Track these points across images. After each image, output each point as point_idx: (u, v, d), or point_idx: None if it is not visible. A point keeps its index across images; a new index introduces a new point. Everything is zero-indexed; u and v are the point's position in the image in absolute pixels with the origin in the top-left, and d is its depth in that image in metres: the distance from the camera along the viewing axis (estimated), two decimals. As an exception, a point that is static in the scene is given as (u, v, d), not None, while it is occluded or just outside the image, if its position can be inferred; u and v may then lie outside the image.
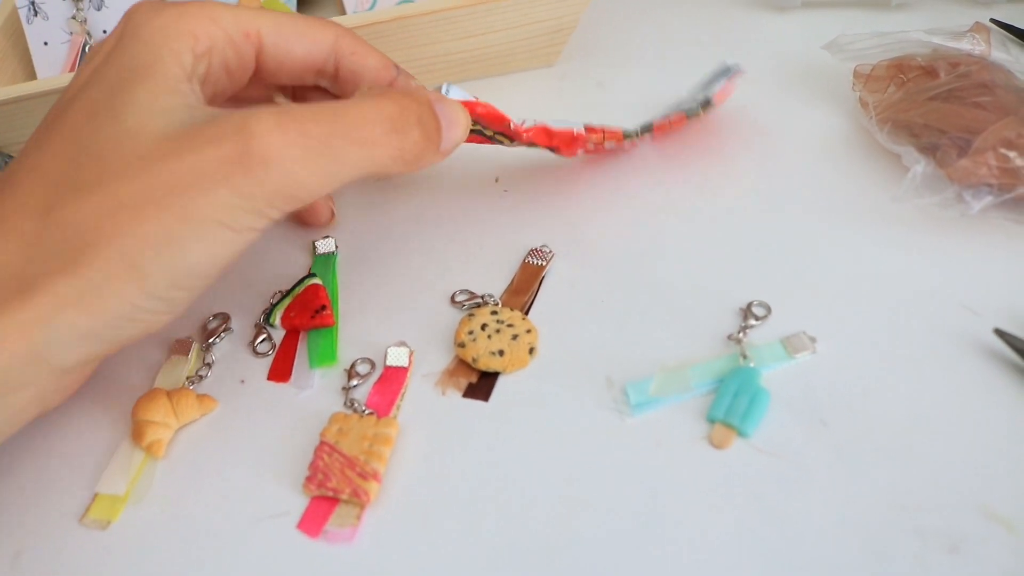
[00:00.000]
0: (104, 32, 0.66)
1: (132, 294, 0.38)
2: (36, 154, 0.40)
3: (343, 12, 0.69)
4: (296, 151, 0.38)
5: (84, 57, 0.45)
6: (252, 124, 0.38)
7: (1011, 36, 0.61)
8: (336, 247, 0.53)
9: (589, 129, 0.53)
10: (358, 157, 0.40)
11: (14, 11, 0.66)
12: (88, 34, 0.66)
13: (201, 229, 0.38)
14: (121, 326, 0.39)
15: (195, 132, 0.38)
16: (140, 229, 0.37)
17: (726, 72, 0.51)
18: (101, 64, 0.42)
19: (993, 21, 0.62)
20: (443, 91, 0.47)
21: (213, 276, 0.40)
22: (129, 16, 0.43)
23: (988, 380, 0.43)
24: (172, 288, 0.39)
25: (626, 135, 0.54)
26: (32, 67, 0.67)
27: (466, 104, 0.47)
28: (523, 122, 0.50)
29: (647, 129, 0.53)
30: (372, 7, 0.68)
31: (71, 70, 0.65)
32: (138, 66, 0.41)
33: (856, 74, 0.56)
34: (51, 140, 0.40)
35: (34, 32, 0.65)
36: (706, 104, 0.52)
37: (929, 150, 0.50)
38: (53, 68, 0.66)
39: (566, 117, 0.56)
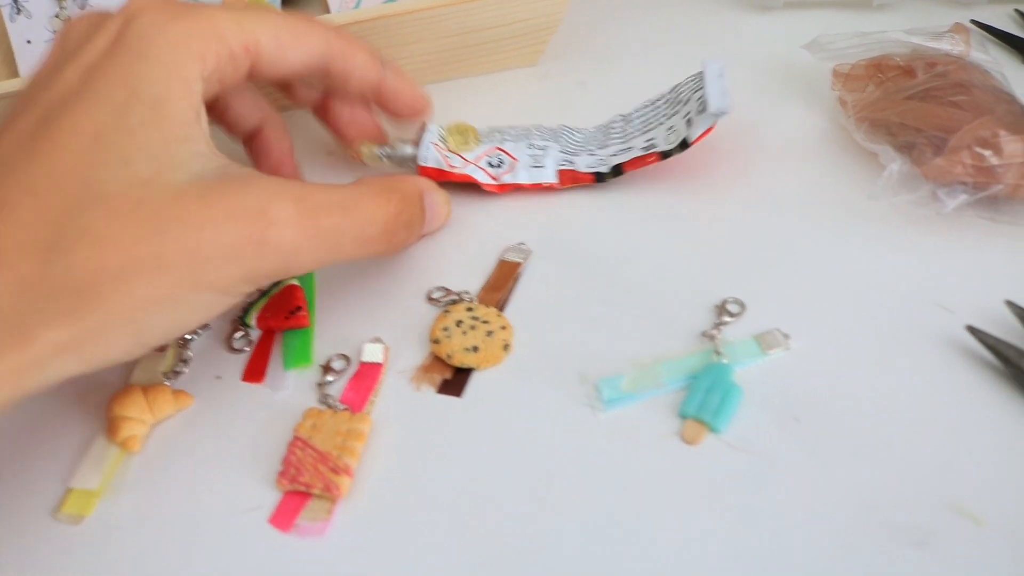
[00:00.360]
0: (89, 31, 0.66)
1: (127, 344, 0.39)
2: (28, 172, 0.39)
3: (327, 11, 0.69)
4: (307, 243, 0.41)
5: (58, 38, 0.44)
6: (273, 210, 0.40)
7: (991, 37, 0.62)
8: (315, 246, 0.53)
9: (562, 178, 0.54)
10: (353, 251, 0.44)
11: (-3, 10, 0.66)
12: (73, 33, 0.66)
13: (204, 295, 0.40)
14: (107, 366, 0.39)
15: (213, 198, 0.39)
16: (148, 290, 0.38)
17: (710, 116, 0.50)
18: (97, 71, 0.40)
19: (973, 22, 0.63)
20: (421, 156, 0.53)
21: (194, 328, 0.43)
22: (131, 17, 0.41)
23: (960, 377, 0.43)
24: (161, 339, 0.40)
25: (598, 179, 0.54)
26: (15, 65, 0.66)
27: (443, 172, 0.53)
28: (496, 178, 0.54)
29: (617, 171, 0.53)
30: (357, 6, 0.68)
31: (56, 69, 0.65)
32: (147, 98, 0.40)
33: (835, 73, 0.56)
34: (46, 160, 0.39)
35: (17, 30, 0.65)
36: (683, 146, 0.51)
37: (905, 149, 0.50)
38: (36, 66, 0.66)
39: (544, 122, 0.57)
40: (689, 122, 0.52)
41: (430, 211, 0.49)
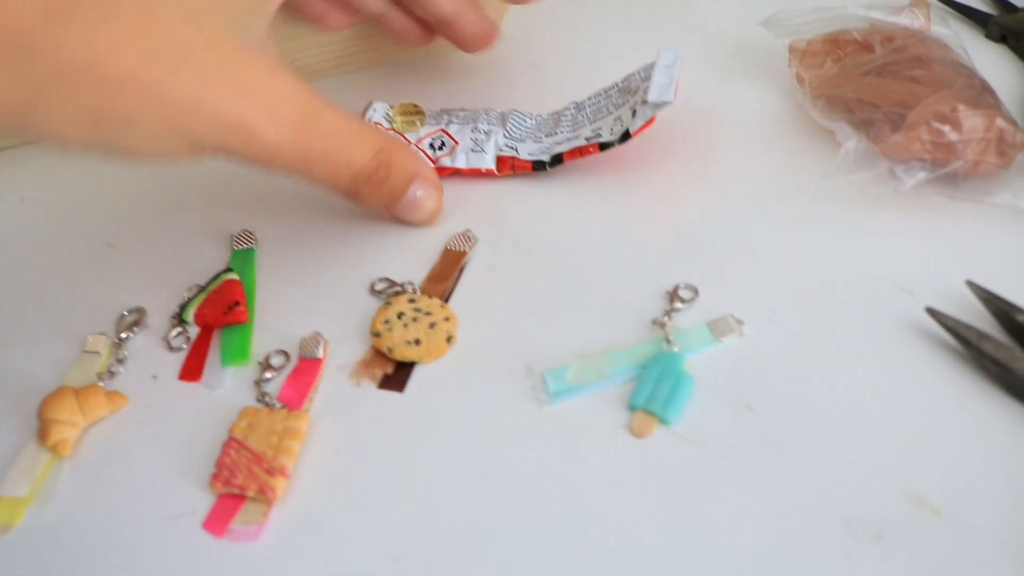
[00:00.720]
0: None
1: (70, 123, 0.39)
2: None
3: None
4: (289, 152, 0.44)
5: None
6: (282, 110, 0.42)
7: (951, 11, 0.60)
8: (256, 241, 0.52)
9: (500, 164, 0.53)
10: (320, 178, 0.46)
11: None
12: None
13: (173, 138, 0.41)
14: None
15: (240, 66, 0.41)
16: (128, 96, 0.38)
17: (650, 106, 0.49)
18: None
19: (934, -5, 0.61)
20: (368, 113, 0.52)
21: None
22: None
23: (920, 361, 0.42)
24: (103, 143, 0.41)
25: (536, 167, 0.52)
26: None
27: None
28: (435, 161, 0.53)
29: (557, 160, 0.52)
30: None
31: None
32: None
33: (791, 50, 0.55)
34: None
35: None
36: (624, 137, 0.50)
37: (863, 125, 0.49)
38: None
39: (495, 106, 0.56)
40: (633, 112, 0.51)
41: (409, 200, 0.49)
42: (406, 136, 0.53)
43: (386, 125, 0.53)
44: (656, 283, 0.46)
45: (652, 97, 0.49)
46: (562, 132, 0.54)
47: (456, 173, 0.53)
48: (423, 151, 0.52)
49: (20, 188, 0.59)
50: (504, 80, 0.61)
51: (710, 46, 0.60)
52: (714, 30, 0.62)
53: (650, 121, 0.49)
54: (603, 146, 0.51)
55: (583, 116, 0.54)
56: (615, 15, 0.64)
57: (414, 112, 0.54)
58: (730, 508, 0.38)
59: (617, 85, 0.54)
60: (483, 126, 0.54)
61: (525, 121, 0.55)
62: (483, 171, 0.53)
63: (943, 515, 0.36)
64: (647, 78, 0.51)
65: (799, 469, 0.38)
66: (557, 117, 0.55)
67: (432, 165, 0.52)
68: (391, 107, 0.54)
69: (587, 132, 0.53)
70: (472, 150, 0.53)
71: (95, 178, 0.59)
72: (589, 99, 0.55)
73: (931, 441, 0.39)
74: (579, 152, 0.51)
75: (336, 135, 0.45)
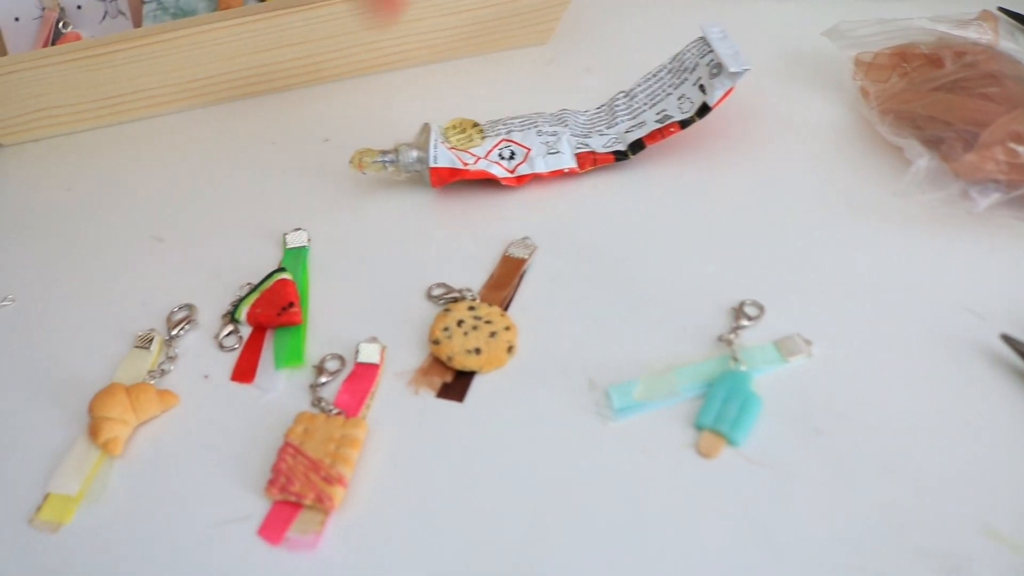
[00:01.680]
0: (79, 7, 0.63)
1: None
2: None
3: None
4: None
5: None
6: None
7: (1019, 24, 0.59)
8: (309, 240, 0.51)
9: (581, 161, 0.52)
10: None
11: (-18, -15, 0.64)
12: (61, 9, 0.63)
13: None
14: None
15: None
16: None
17: (730, 75, 0.48)
18: None
19: (1001, 9, 0.60)
20: (430, 157, 0.50)
21: None
22: None
23: (993, 389, 0.41)
24: None
25: (618, 157, 0.52)
26: (2, 42, 0.64)
27: (457, 171, 0.50)
28: (513, 171, 0.51)
29: (639, 147, 0.51)
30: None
31: (44, 46, 0.62)
32: None
33: (857, 62, 0.54)
34: None
35: (4, 7, 0.63)
36: (703, 111, 0.49)
37: (933, 143, 0.48)
38: (24, 44, 0.63)
39: (546, 108, 0.55)
40: (702, 88, 0.50)
41: None
42: (471, 151, 0.52)
43: (442, 143, 0.52)
44: (721, 298, 0.45)
45: (733, 67, 0.49)
46: (622, 121, 0.53)
47: (536, 178, 0.52)
48: (495, 163, 0.51)
49: (67, 177, 0.58)
50: (558, 83, 0.60)
51: (771, 55, 0.59)
52: (775, 39, 0.61)
53: (729, 91, 0.49)
54: (683, 124, 0.51)
55: (637, 103, 0.54)
56: (673, 25, 0.63)
57: (472, 127, 0.53)
58: (799, 534, 0.37)
59: (666, 67, 0.54)
60: (546, 128, 0.53)
61: (578, 118, 0.55)
62: (565, 171, 0.52)
63: (1022, 551, 0.35)
64: (705, 53, 0.51)
65: (870, 497, 0.37)
66: (610, 108, 0.55)
67: (510, 175, 0.51)
68: (441, 125, 0.54)
69: (652, 116, 0.52)
70: (548, 153, 0.52)
71: (143, 169, 0.58)
72: (639, 85, 0.55)
73: (1006, 473, 0.38)
74: (660, 134, 0.51)
75: None
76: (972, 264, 0.45)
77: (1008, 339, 0.41)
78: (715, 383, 0.41)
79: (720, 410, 0.40)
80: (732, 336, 0.43)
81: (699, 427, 0.40)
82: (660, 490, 0.38)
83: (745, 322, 0.44)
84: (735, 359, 0.42)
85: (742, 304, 0.44)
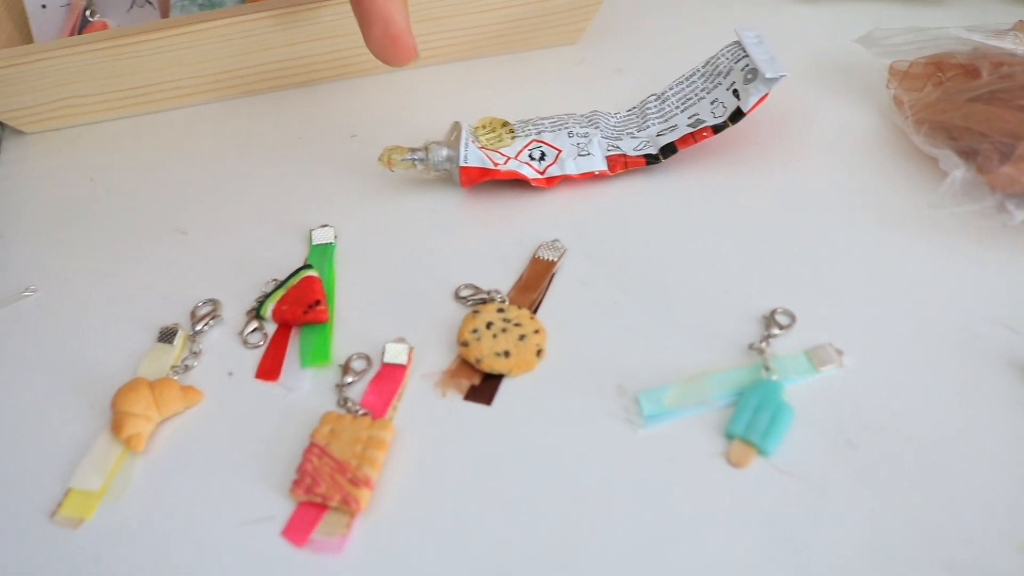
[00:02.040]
0: (105, -5, 0.63)
1: None
2: None
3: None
4: None
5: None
6: None
7: (1056, 36, 0.58)
8: (335, 237, 0.51)
9: (612, 164, 0.51)
10: None
11: (10, -28, 0.63)
12: (88, -2, 0.63)
13: None
14: None
15: None
16: None
17: (766, 82, 0.48)
18: None
19: (1035, 20, 0.59)
20: (461, 157, 0.50)
21: None
22: None
23: (1027, 404, 0.40)
24: None
25: (649, 161, 0.51)
26: (28, 30, 0.64)
27: (487, 171, 0.50)
28: (543, 172, 0.51)
29: (670, 151, 0.51)
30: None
31: (70, 34, 0.62)
32: None
33: (892, 71, 0.53)
34: None
35: (31, -6, 0.62)
36: (737, 116, 0.49)
37: (969, 154, 0.47)
38: (51, 32, 0.63)
39: (577, 109, 0.55)
40: (736, 93, 0.50)
41: None
42: (501, 151, 0.52)
43: (473, 143, 0.51)
44: (752, 306, 0.45)
45: (769, 73, 0.48)
46: (654, 124, 0.53)
47: (566, 180, 0.51)
48: (526, 164, 0.51)
49: (90, 168, 0.58)
50: (588, 83, 0.60)
51: (804, 61, 0.59)
52: (808, 45, 0.60)
53: (763, 97, 0.49)
54: (716, 129, 0.50)
55: (669, 106, 0.53)
56: (703, 28, 0.63)
57: (502, 127, 0.53)
58: (828, 546, 0.36)
59: (698, 71, 0.53)
60: (577, 129, 0.53)
61: (609, 119, 0.54)
62: (596, 174, 0.51)
63: (1058, 570, 0.35)
64: (739, 58, 0.50)
65: (901, 510, 0.37)
66: (641, 111, 0.54)
67: (540, 176, 0.51)
68: (471, 124, 0.53)
69: (684, 120, 0.52)
70: (579, 155, 0.51)
71: (167, 161, 0.58)
72: (670, 88, 0.54)
73: (1040, 489, 0.37)
74: (692, 138, 0.51)
75: None
76: (1007, 277, 0.45)
77: (1044, 355, 0.41)
78: (746, 392, 0.41)
79: (751, 419, 0.39)
80: (763, 345, 0.42)
81: (729, 436, 0.40)
82: (689, 499, 0.38)
83: (776, 331, 0.43)
84: (766, 368, 0.41)
85: (773, 312, 0.44)
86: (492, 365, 0.43)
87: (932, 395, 0.41)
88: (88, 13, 0.63)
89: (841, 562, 0.36)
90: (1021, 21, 0.55)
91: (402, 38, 0.47)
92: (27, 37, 0.64)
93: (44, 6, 0.62)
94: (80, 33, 0.62)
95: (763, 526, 0.37)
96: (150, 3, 0.64)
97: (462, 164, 0.50)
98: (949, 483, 0.38)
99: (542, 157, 0.51)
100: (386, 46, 0.47)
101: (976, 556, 0.36)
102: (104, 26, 0.63)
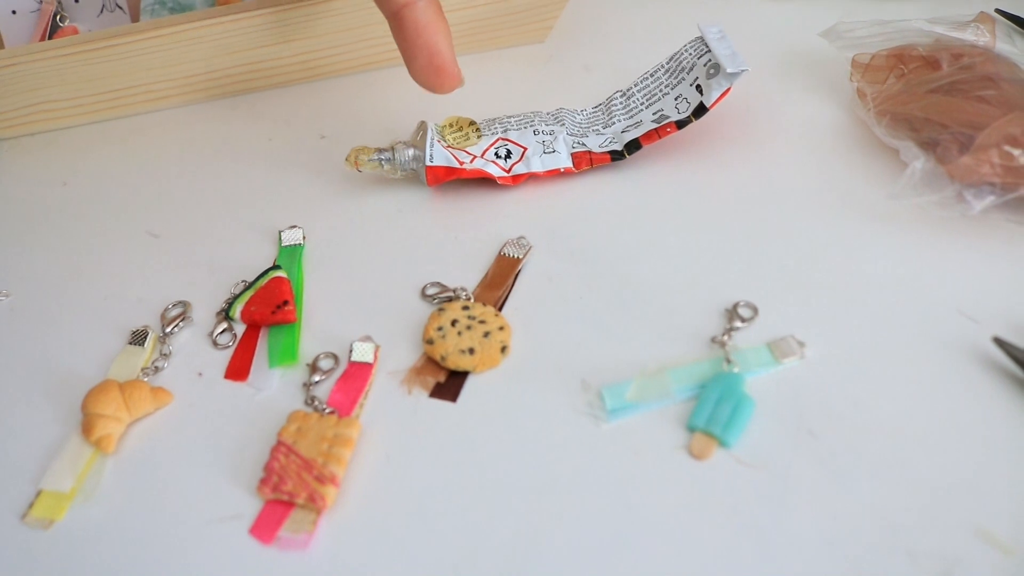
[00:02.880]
0: (76, 1, 0.63)
1: None
2: None
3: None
4: None
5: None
6: None
7: (1017, 27, 0.59)
8: (304, 238, 0.51)
9: (577, 161, 0.52)
10: None
11: (-21, -22, 0.64)
12: (59, 2, 0.63)
13: None
14: None
15: None
16: None
17: (728, 76, 0.49)
18: None
19: (998, 11, 0.60)
20: (426, 156, 0.51)
21: None
22: None
23: (986, 392, 0.41)
24: None
25: (614, 157, 0.52)
26: (-1, 36, 0.64)
27: (453, 170, 0.50)
28: (509, 170, 0.51)
29: (635, 147, 0.51)
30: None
31: (41, 39, 0.62)
32: None
33: (854, 64, 0.54)
34: None
35: (2, 0, 0.62)
36: (700, 111, 0.50)
37: (929, 145, 0.48)
38: (21, 37, 0.63)
39: (545, 106, 0.55)
40: (699, 88, 0.50)
41: None
42: (467, 150, 0.52)
43: (439, 142, 0.52)
44: (715, 299, 0.45)
45: (731, 68, 0.49)
46: (619, 121, 0.53)
47: (532, 177, 0.52)
48: (492, 162, 0.51)
49: (62, 172, 0.58)
50: (557, 81, 0.60)
51: (768, 55, 0.59)
52: (772, 38, 0.61)
53: (726, 92, 0.50)
54: (680, 124, 0.51)
55: (634, 102, 0.54)
56: (670, 23, 0.63)
57: (468, 125, 0.53)
58: (790, 535, 0.37)
59: (662, 67, 0.54)
60: (543, 127, 0.53)
61: (575, 117, 0.55)
62: (561, 171, 0.52)
63: (1013, 554, 0.35)
64: (702, 54, 0.51)
65: (862, 498, 0.38)
66: (607, 107, 0.55)
67: (506, 174, 0.52)
68: (437, 124, 0.54)
69: (648, 115, 0.52)
70: (544, 152, 0.52)
71: (138, 164, 0.58)
72: (635, 85, 0.55)
73: (998, 475, 0.38)
74: (656, 134, 0.51)
75: None
76: (966, 267, 0.45)
77: (1000, 342, 0.41)
78: (708, 384, 0.41)
79: (712, 412, 0.40)
80: (725, 338, 0.43)
81: (691, 428, 0.40)
82: (652, 491, 0.39)
83: (739, 323, 0.44)
84: (728, 360, 0.42)
85: (736, 305, 0.44)
86: (457, 362, 0.43)
87: (893, 385, 0.41)
88: (58, 18, 0.63)
89: (804, 551, 0.36)
90: (982, 13, 0.55)
91: (447, 68, 0.49)
92: (-1, 42, 0.64)
93: (14, 11, 0.63)
94: (51, 38, 0.62)
95: (726, 516, 0.37)
96: (120, 8, 0.64)
97: (428, 163, 0.50)
98: (909, 471, 0.38)
99: (508, 155, 0.52)
100: (431, 76, 0.49)
101: (936, 542, 0.36)
102: (75, 31, 0.63)
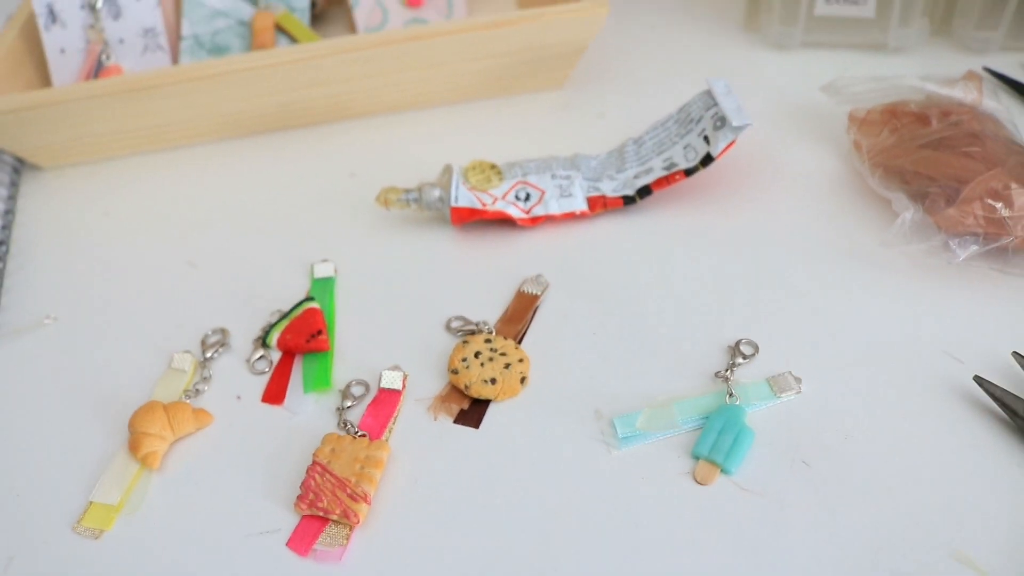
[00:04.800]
0: (121, 41, 0.67)
1: None
2: None
3: (354, 30, 0.70)
4: None
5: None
6: None
7: (1003, 85, 0.63)
8: (335, 271, 0.54)
9: (592, 204, 0.55)
10: None
11: (31, 17, 0.67)
12: (105, 43, 0.66)
13: None
14: None
15: None
16: None
17: (733, 129, 0.52)
18: None
19: (986, 69, 0.64)
20: (452, 197, 0.54)
21: None
22: None
23: (967, 427, 0.44)
24: None
25: (626, 202, 0.55)
26: (47, 74, 0.67)
27: (476, 211, 0.54)
28: (528, 211, 0.55)
29: (646, 192, 0.55)
30: (382, 26, 0.69)
31: (87, 78, 0.66)
32: None
33: (851, 117, 0.57)
34: None
35: (51, 39, 0.66)
36: (707, 160, 0.53)
37: (919, 197, 0.51)
38: (69, 76, 0.67)
39: (562, 151, 0.58)
40: (706, 139, 0.54)
41: None
42: (490, 192, 0.55)
43: (463, 184, 0.55)
44: (718, 336, 0.48)
45: (736, 121, 0.52)
46: (631, 167, 0.57)
47: (549, 219, 0.55)
48: (512, 204, 0.55)
49: (103, 203, 0.62)
50: (573, 127, 0.64)
51: (772, 107, 0.63)
52: (776, 92, 0.64)
53: (731, 143, 0.53)
54: (688, 172, 0.54)
55: (645, 150, 0.57)
56: (679, 74, 0.67)
57: (490, 168, 0.56)
58: (784, 557, 0.40)
59: (673, 117, 0.57)
60: (560, 172, 0.56)
61: (590, 162, 0.58)
62: (577, 213, 0.55)
63: (988, 577, 0.39)
64: (710, 107, 0.54)
65: (851, 523, 0.41)
66: (619, 154, 0.58)
67: (525, 216, 0.55)
68: (462, 168, 0.57)
69: (658, 163, 0.56)
70: (561, 196, 0.55)
71: (176, 196, 0.61)
72: (647, 133, 0.58)
73: (977, 504, 0.41)
74: (666, 181, 0.54)
75: None
76: (952, 311, 0.49)
77: (981, 381, 0.44)
78: (712, 416, 0.44)
79: (716, 441, 0.43)
80: (728, 373, 0.46)
81: (696, 456, 0.43)
82: (659, 514, 0.42)
83: (740, 360, 0.47)
84: (731, 394, 0.45)
85: (738, 343, 0.48)
86: (480, 391, 0.46)
87: (881, 418, 0.44)
88: (104, 57, 0.66)
89: (796, 570, 0.39)
90: (970, 71, 0.59)
91: None
92: (46, 79, 0.67)
93: (63, 50, 0.66)
94: (96, 76, 0.65)
95: (725, 538, 0.41)
96: (161, 48, 0.67)
97: (453, 204, 0.54)
98: (895, 499, 0.41)
99: (527, 198, 0.55)
100: None
101: (917, 565, 0.39)
102: (118, 69, 0.66)
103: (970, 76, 0.59)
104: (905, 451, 0.43)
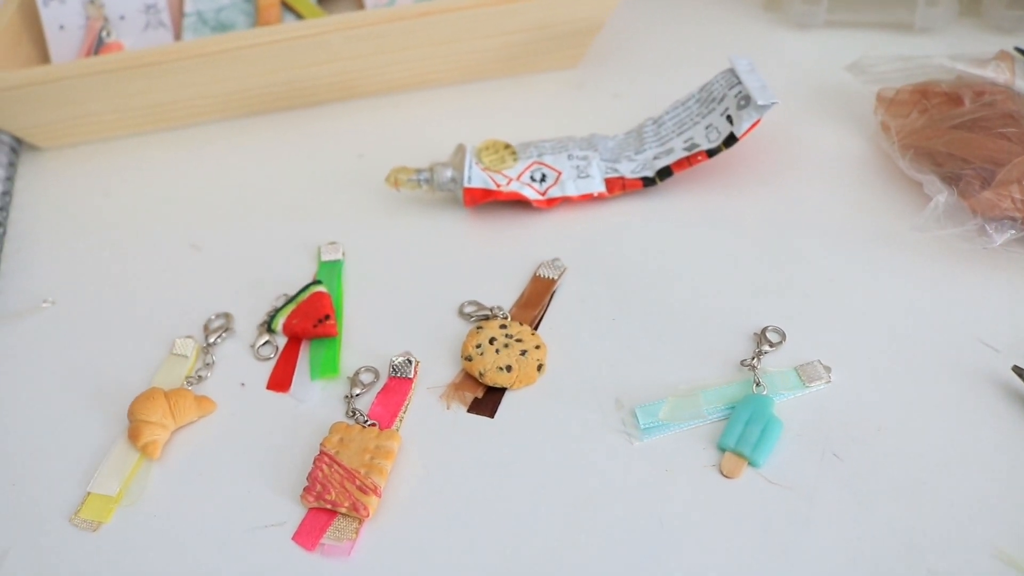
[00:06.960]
0: (122, 17, 0.65)
1: None
2: None
3: (362, 7, 0.69)
4: None
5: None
6: None
7: (1037, 65, 0.61)
8: (343, 254, 0.52)
9: (610, 186, 0.54)
10: None
11: (30, -8, 0.65)
12: (105, 19, 0.65)
13: None
14: None
15: None
16: None
17: (758, 108, 0.50)
18: None
19: (1017, 49, 0.61)
20: (465, 178, 0.52)
21: None
22: None
23: (1005, 418, 0.42)
24: None
25: (646, 183, 0.53)
26: (46, 51, 0.66)
27: (489, 192, 0.52)
28: (544, 193, 0.53)
29: (666, 174, 0.53)
30: (391, 2, 0.67)
31: (87, 55, 0.64)
32: None
33: (879, 98, 0.55)
34: None
35: (50, 15, 0.64)
36: (730, 141, 0.51)
37: (952, 180, 0.49)
38: (68, 52, 0.65)
39: (576, 132, 0.56)
40: (730, 119, 0.52)
41: None
42: (503, 172, 0.53)
43: (476, 164, 0.53)
44: (744, 324, 0.47)
45: (761, 100, 0.50)
46: (650, 148, 0.55)
47: (566, 201, 0.53)
48: (527, 185, 0.53)
49: (104, 183, 0.60)
50: (587, 107, 0.62)
51: (795, 87, 0.61)
52: (799, 71, 0.62)
53: (756, 123, 0.51)
54: (711, 152, 0.52)
55: (665, 130, 0.55)
56: (698, 54, 0.65)
57: (504, 148, 0.55)
58: (815, 554, 0.38)
59: (694, 96, 0.55)
60: (577, 152, 0.55)
61: (607, 142, 0.56)
62: (594, 195, 0.53)
63: (1032, 577, 0.37)
64: (733, 85, 0.52)
65: (884, 519, 0.39)
66: (638, 135, 0.56)
67: (541, 197, 0.53)
68: (475, 147, 0.55)
69: (679, 143, 0.54)
70: (579, 177, 0.53)
71: (178, 177, 0.60)
72: (667, 113, 0.56)
73: (1017, 498, 0.39)
74: (687, 162, 0.53)
75: None
76: (987, 298, 0.47)
77: (1019, 371, 0.43)
78: (738, 406, 0.42)
79: (742, 432, 0.41)
80: (755, 361, 0.44)
81: (722, 448, 0.41)
82: (683, 508, 0.40)
83: (767, 348, 0.45)
84: (757, 383, 0.43)
85: (764, 330, 0.46)
86: (495, 379, 0.45)
87: (914, 409, 0.43)
88: (104, 33, 0.64)
89: (828, 568, 0.37)
90: (1002, 51, 0.57)
91: None
92: (44, 56, 0.66)
93: (62, 27, 0.64)
94: (96, 53, 0.64)
95: (753, 534, 0.39)
96: (164, 25, 0.65)
97: (466, 185, 0.52)
98: (930, 494, 0.40)
99: (543, 179, 0.53)
100: None
101: (956, 563, 0.37)
102: (119, 46, 0.64)
103: (1002, 56, 0.57)
104: (940, 443, 0.41)
